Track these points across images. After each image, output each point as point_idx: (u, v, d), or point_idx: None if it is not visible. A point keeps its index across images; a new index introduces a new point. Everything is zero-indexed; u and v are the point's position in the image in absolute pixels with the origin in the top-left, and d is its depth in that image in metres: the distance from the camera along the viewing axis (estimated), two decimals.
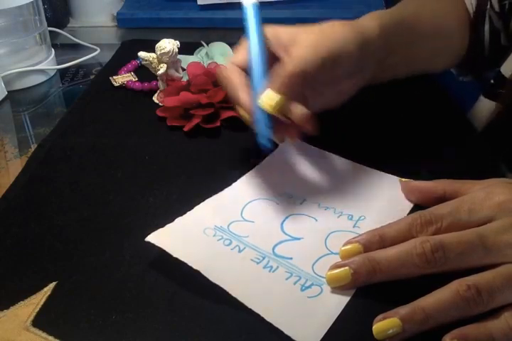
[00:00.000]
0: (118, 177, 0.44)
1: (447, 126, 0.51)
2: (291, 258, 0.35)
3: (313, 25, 0.43)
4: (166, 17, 0.78)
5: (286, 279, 0.34)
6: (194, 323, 0.31)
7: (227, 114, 0.50)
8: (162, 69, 0.53)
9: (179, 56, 0.54)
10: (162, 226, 0.37)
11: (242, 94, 0.39)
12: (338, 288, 0.33)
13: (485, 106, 0.54)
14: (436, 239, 0.32)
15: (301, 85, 0.40)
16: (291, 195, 0.41)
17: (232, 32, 0.75)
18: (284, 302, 0.32)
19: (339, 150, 0.45)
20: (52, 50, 0.67)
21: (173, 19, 0.78)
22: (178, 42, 0.54)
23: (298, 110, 0.39)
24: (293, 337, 0.30)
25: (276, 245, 0.36)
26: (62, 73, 0.66)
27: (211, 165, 0.45)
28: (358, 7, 0.77)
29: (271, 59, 0.42)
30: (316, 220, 0.39)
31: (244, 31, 0.42)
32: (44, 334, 0.31)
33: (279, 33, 0.42)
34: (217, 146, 0.48)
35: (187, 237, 0.36)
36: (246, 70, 0.41)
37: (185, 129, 0.49)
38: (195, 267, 0.33)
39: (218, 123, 0.50)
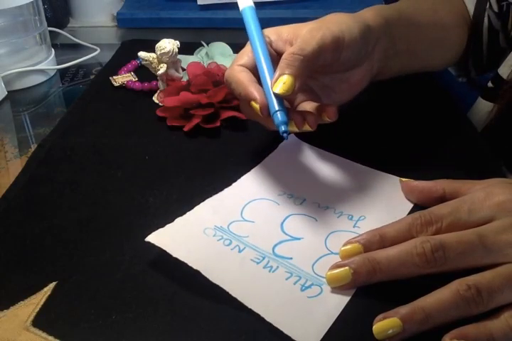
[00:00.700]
0: (118, 177, 0.44)
1: (447, 126, 0.51)
2: (291, 258, 0.35)
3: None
4: (166, 17, 0.78)
5: (286, 279, 0.34)
6: (194, 323, 0.32)
7: (227, 114, 0.50)
8: (162, 69, 0.53)
9: (179, 56, 0.54)
10: (162, 226, 0.37)
11: (253, 89, 0.39)
12: (338, 288, 0.33)
13: (483, 108, 0.54)
14: (437, 239, 0.32)
15: (310, 66, 0.39)
16: (291, 195, 0.41)
17: (232, 32, 0.75)
18: (284, 302, 0.32)
19: (339, 150, 0.45)
20: (52, 50, 0.67)
21: (173, 19, 0.78)
22: (178, 42, 0.53)
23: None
24: (293, 337, 0.30)
25: (276, 245, 0.36)
26: (62, 73, 0.66)
27: (211, 165, 0.45)
28: (358, 7, 0.77)
29: (276, 57, 0.42)
30: (316, 220, 0.39)
31: (245, 33, 0.42)
32: (44, 334, 0.31)
33: (280, 31, 0.43)
34: (217, 146, 0.48)
35: (187, 237, 0.36)
36: (252, 70, 0.41)
37: (185, 129, 0.49)
38: (195, 267, 0.33)
39: (218, 123, 0.50)
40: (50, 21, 0.70)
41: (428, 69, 0.55)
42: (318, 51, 0.39)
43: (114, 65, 0.63)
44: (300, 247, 0.36)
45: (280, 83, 0.38)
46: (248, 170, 0.43)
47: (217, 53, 0.64)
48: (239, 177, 0.43)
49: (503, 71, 0.52)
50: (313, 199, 0.41)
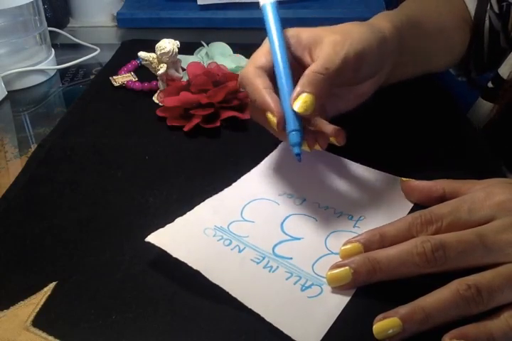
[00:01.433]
0: (118, 177, 0.44)
1: (447, 126, 0.51)
2: (291, 258, 0.35)
3: (332, 26, 0.42)
4: (166, 17, 0.78)
5: (287, 279, 0.34)
6: (194, 323, 0.32)
7: (227, 114, 0.50)
8: (162, 69, 0.53)
9: (179, 56, 0.54)
10: (162, 226, 0.37)
11: (271, 99, 0.38)
12: (338, 287, 0.33)
13: (483, 107, 0.54)
14: (437, 238, 0.32)
15: (331, 85, 0.39)
16: (291, 195, 0.41)
17: (232, 32, 0.75)
18: (284, 302, 0.32)
19: (339, 150, 0.45)
20: (52, 50, 0.67)
21: (173, 19, 0.78)
22: (178, 42, 0.53)
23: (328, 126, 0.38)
24: (293, 337, 0.30)
25: (276, 245, 0.36)
26: (62, 73, 0.66)
27: (211, 165, 0.45)
28: (358, 7, 0.77)
29: (294, 63, 0.41)
30: (316, 220, 0.39)
31: (265, 32, 0.41)
32: (44, 334, 0.31)
33: (300, 34, 0.42)
34: (217, 146, 0.48)
35: (187, 237, 0.36)
36: (269, 73, 0.40)
37: (185, 129, 0.49)
38: (195, 267, 0.33)
39: (218, 123, 0.50)
40: (50, 21, 0.70)
41: (429, 72, 0.55)
42: (341, 70, 0.39)
43: (114, 65, 0.63)
44: (300, 247, 0.36)
45: (300, 101, 0.37)
46: (248, 170, 0.43)
47: (217, 53, 0.64)
48: (239, 177, 0.43)
49: (504, 71, 0.52)
50: (314, 199, 0.41)
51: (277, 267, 0.35)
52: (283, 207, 0.40)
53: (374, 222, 0.38)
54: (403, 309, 0.30)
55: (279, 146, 0.46)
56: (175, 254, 0.34)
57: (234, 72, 0.56)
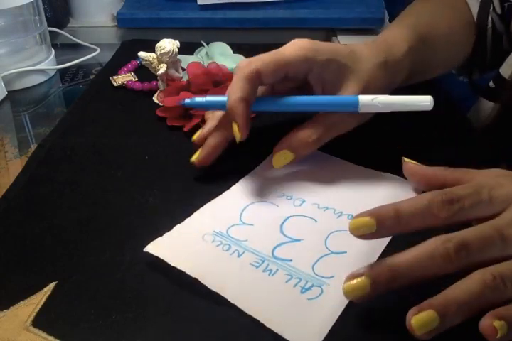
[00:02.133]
0: (118, 177, 0.44)
1: (447, 126, 0.51)
2: (290, 260, 0.35)
3: (353, 52, 0.43)
4: (166, 17, 0.78)
5: (286, 282, 0.34)
6: (194, 323, 0.31)
7: None
8: (162, 69, 0.53)
9: (179, 56, 0.54)
10: (162, 226, 0.37)
11: (241, 111, 0.40)
12: (356, 300, 0.31)
13: (484, 107, 0.54)
14: (458, 237, 0.31)
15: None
16: (290, 197, 0.41)
17: (232, 32, 0.75)
18: (283, 307, 0.32)
19: (338, 151, 0.45)
20: (52, 50, 0.67)
21: (173, 19, 0.78)
22: (178, 42, 0.53)
23: None
24: None
25: (275, 248, 0.36)
26: (62, 73, 0.66)
27: (211, 165, 0.45)
28: (358, 7, 0.77)
29: (290, 81, 0.42)
30: (316, 221, 0.39)
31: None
32: (44, 334, 0.31)
33: (328, 65, 0.42)
34: None
35: (185, 245, 0.36)
36: (263, 80, 0.41)
37: (185, 129, 0.49)
38: (193, 275, 0.33)
39: None
40: (50, 21, 0.70)
41: (432, 77, 0.55)
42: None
43: (114, 65, 0.63)
44: (299, 249, 0.36)
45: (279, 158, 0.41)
46: (248, 171, 0.43)
47: (217, 53, 0.64)
48: (239, 177, 0.43)
49: (505, 70, 0.52)
50: (313, 201, 0.41)
51: (277, 270, 0.34)
52: (282, 209, 0.40)
53: None
54: (436, 301, 0.29)
55: None
56: (173, 263, 0.34)
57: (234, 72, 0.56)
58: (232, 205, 0.40)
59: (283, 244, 0.37)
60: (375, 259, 0.35)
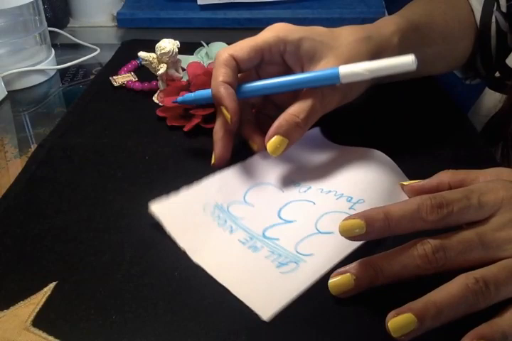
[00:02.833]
0: (118, 177, 0.44)
1: (447, 126, 0.51)
2: (277, 239, 0.36)
3: (332, 31, 0.43)
4: (166, 17, 0.78)
5: (266, 257, 0.35)
6: (194, 323, 0.32)
7: None
8: (162, 69, 0.53)
9: (179, 56, 0.54)
10: (162, 226, 0.37)
11: (225, 94, 0.41)
12: (341, 294, 0.32)
13: (490, 98, 0.54)
14: (436, 239, 0.32)
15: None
16: (298, 184, 0.41)
17: (232, 32, 0.75)
18: (255, 277, 0.33)
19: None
20: (52, 50, 0.67)
21: (173, 19, 0.78)
22: (178, 42, 0.53)
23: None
24: (252, 307, 0.31)
25: (267, 228, 0.37)
26: (62, 73, 0.66)
27: (211, 165, 0.45)
28: (358, 7, 0.77)
29: (272, 65, 0.42)
30: (314, 203, 0.39)
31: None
32: (44, 334, 0.31)
33: (301, 44, 0.42)
34: None
35: (186, 213, 0.37)
36: (242, 66, 0.42)
37: (185, 129, 0.49)
38: (182, 245, 0.35)
39: None
40: (50, 21, 0.70)
41: (429, 75, 0.55)
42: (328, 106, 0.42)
43: (114, 65, 0.63)
44: (290, 229, 0.37)
45: (272, 144, 0.40)
46: None
47: None
48: None
49: (511, 61, 0.52)
50: (319, 186, 0.41)
51: (262, 247, 0.36)
52: (286, 194, 0.40)
53: (372, 206, 0.37)
54: (415, 304, 0.30)
55: None
56: (168, 228, 0.36)
57: None
58: (240, 182, 0.41)
59: (275, 225, 0.37)
60: (359, 243, 0.35)
